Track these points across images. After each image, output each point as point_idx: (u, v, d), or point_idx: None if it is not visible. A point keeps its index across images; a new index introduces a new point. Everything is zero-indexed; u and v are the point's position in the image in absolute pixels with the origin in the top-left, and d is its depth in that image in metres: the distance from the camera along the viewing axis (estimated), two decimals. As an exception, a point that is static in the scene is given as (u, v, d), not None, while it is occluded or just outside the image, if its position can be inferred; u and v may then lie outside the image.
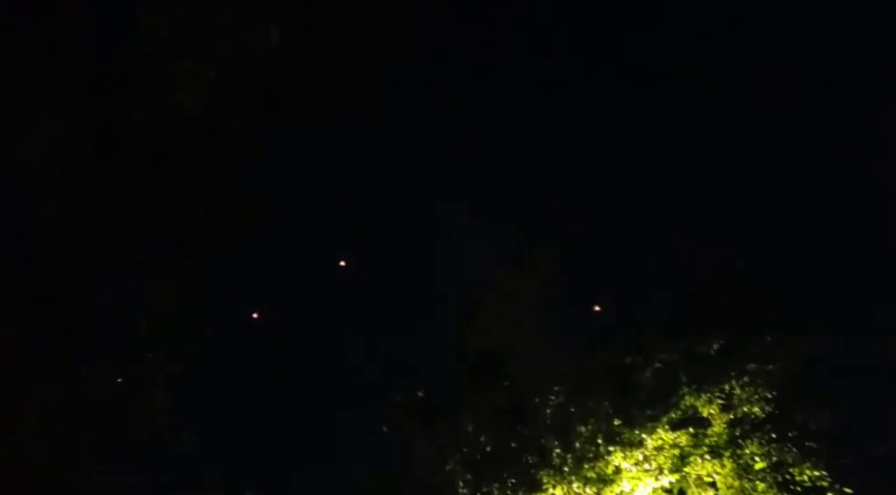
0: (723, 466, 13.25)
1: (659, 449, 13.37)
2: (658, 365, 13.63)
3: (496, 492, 13.69)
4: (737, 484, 13.14)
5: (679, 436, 13.38)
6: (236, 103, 13.81)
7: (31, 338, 14.07)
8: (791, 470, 12.88)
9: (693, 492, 13.43)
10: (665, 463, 13.35)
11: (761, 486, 12.98)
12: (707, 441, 13.37)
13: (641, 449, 13.38)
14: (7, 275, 13.93)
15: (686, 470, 13.42)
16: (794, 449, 12.94)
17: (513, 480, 13.66)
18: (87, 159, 13.91)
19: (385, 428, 14.49)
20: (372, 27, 13.81)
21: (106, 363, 14.61)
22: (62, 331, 14.37)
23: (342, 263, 16.10)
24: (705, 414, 13.47)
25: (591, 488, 13.45)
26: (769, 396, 13.28)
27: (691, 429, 13.41)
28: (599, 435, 13.53)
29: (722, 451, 13.27)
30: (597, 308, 14.84)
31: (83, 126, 13.53)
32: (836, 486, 12.60)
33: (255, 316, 15.70)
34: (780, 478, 12.91)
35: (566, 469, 13.53)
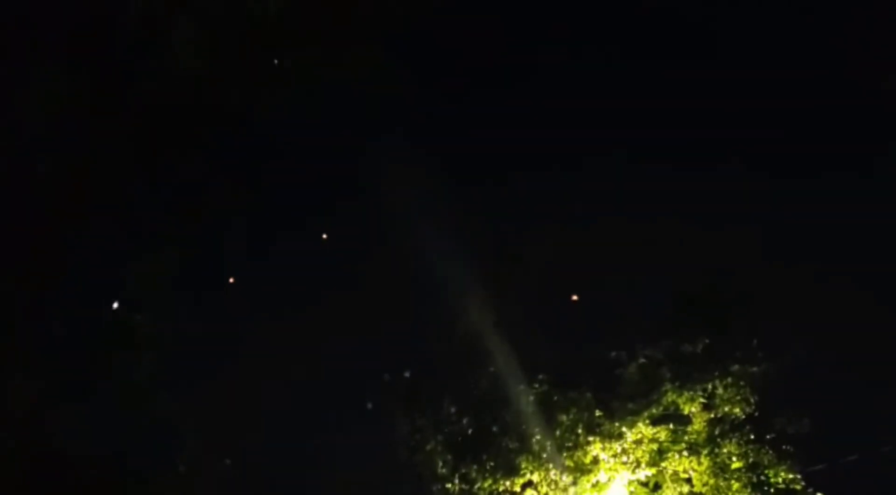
0: (700, 463, 13.47)
1: (638, 442, 13.58)
2: (643, 361, 13.82)
3: (475, 474, 13.85)
4: (712, 481, 13.37)
5: (659, 432, 13.58)
6: (234, 67, 13.83)
7: (20, 290, 14.06)
8: (766, 471, 13.14)
9: (669, 487, 13.65)
10: (643, 456, 13.56)
11: (736, 485, 13.21)
12: (686, 438, 13.59)
13: (621, 442, 13.59)
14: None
15: (663, 464, 13.64)
16: (770, 452, 13.20)
17: (492, 463, 13.82)
18: (83, 117, 13.90)
19: (369, 406, 14.62)
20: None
21: (93, 320, 14.63)
22: (50, 286, 14.37)
23: (324, 236, 16.13)
24: (686, 412, 13.67)
25: (568, 476, 13.63)
26: (750, 398, 13.51)
27: (671, 426, 13.60)
28: (580, 425, 13.71)
29: (700, 449, 13.49)
30: (574, 297, 15.02)
31: (81, 84, 13.51)
32: (809, 490, 12.89)
33: (231, 281, 15.70)
34: (754, 479, 13.15)
35: (545, 455, 13.71)
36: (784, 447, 13.18)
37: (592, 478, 13.57)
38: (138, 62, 13.68)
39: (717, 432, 13.47)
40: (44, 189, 14.09)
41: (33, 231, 14.13)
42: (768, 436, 13.28)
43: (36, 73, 13.47)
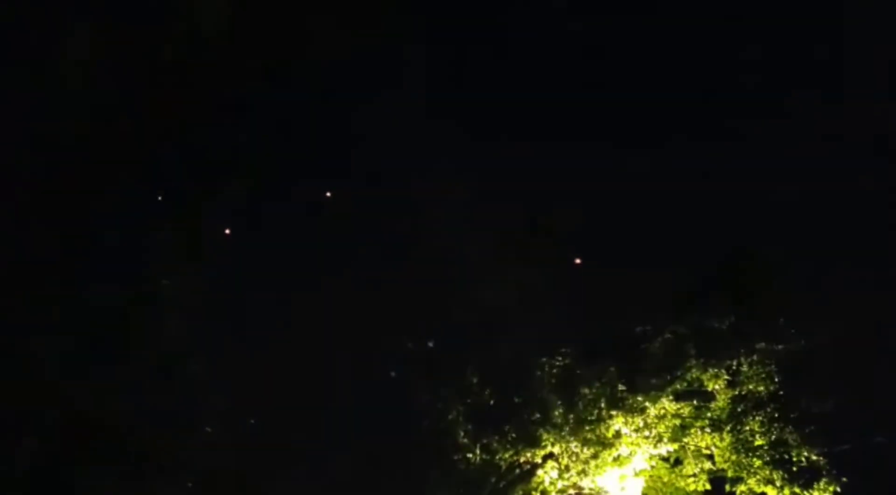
0: (722, 440, 13.41)
1: (660, 417, 13.50)
2: (668, 336, 13.70)
3: (496, 445, 13.87)
4: (734, 458, 13.31)
5: (682, 407, 13.50)
6: (253, 31, 13.77)
7: (49, 254, 14.22)
8: (790, 450, 13.03)
9: (690, 463, 13.64)
10: (665, 431, 13.50)
11: (758, 463, 13.13)
12: (709, 414, 13.51)
13: (643, 416, 13.49)
14: (28, 190, 14.04)
15: (685, 440, 13.60)
16: (794, 431, 13.09)
17: (513, 434, 13.81)
18: (111, 78, 13.92)
19: (393, 374, 14.66)
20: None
21: (121, 286, 14.79)
22: (79, 250, 14.53)
23: (328, 194, 16.01)
24: (710, 388, 13.56)
25: (589, 449, 13.61)
26: (775, 376, 13.37)
27: (695, 402, 13.52)
28: (603, 399, 13.62)
29: (723, 425, 13.42)
30: (577, 261, 14.90)
31: (109, 46, 13.52)
32: (834, 472, 12.78)
33: (227, 232, 15.69)
34: (777, 457, 13.07)
35: (567, 428, 13.66)
36: (808, 427, 13.06)
37: (614, 452, 13.55)
38: (166, 25, 13.67)
39: (740, 409, 13.37)
40: (73, 152, 14.17)
41: (64, 195, 14.26)
42: (792, 416, 13.15)
43: (67, 36, 13.50)
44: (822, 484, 12.61)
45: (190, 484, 14.41)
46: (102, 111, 14.11)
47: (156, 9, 13.34)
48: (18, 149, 13.40)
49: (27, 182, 13.85)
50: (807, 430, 13.04)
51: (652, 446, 13.54)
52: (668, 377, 13.51)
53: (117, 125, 14.30)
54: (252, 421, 15.33)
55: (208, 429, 14.73)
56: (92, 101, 13.90)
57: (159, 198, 15.15)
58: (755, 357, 13.44)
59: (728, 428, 13.41)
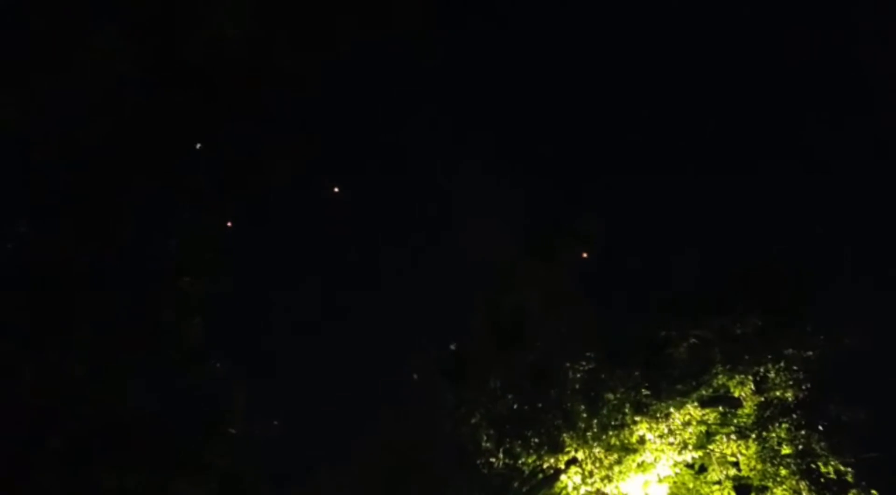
0: (748, 447, 13.25)
1: (686, 424, 13.39)
2: (693, 341, 13.53)
3: (518, 450, 13.79)
4: (760, 466, 13.14)
5: (707, 414, 13.36)
6: (278, 35, 13.70)
7: (71, 252, 14.24)
8: (818, 460, 12.83)
9: (715, 470, 13.47)
10: (690, 438, 13.37)
11: (784, 472, 12.96)
12: (735, 421, 13.36)
13: (668, 423, 13.39)
14: (51, 190, 14.06)
15: (710, 447, 13.45)
16: (822, 441, 12.89)
17: (536, 440, 13.72)
18: (135, 83, 13.90)
19: (415, 377, 14.60)
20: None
21: (143, 284, 14.78)
22: (101, 249, 14.54)
23: (336, 189, 15.86)
24: (736, 395, 13.40)
25: (612, 454, 13.50)
26: (802, 384, 13.17)
27: (720, 408, 13.38)
28: (627, 405, 13.52)
29: (749, 433, 13.26)
30: (584, 255, 14.74)
31: (133, 50, 13.50)
32: (863, 483, 12.57)
33: (228, 224, 15.57)
34: (804, 467, 12.88)
35: (590, 433, 13.56)
36: (836, 436, 12.85)
37: (638, 458, 13.42)
38: (189, 27, 13.63)
39: (766, 416, 13.19)
40: (96, 152, 14.17)
41: (84, 196, 14.26)
42: (821, 426, 12.95)
43: (92, 37, 13.49)
44: (850, 497, 12.45)
45: (214, 485, 14.42)
46: (122, 113, 14.09)
47: (177, 11, 13.31)
48: (37, 151, 13.43)
49: (45, 184, 13.88)
50: (835, 440, 12.86)
51: (676, 452, 13.41)
52: (694, 383, 13.38)
53: (137, 127, 14.29)
54: (275, 422, 15.32)
55: (232, 430, 14.72)
56: (111, 103, 13.87)
57: (180, 198, 15.13)
58: (783, 363, 13.25)
59: (754, 435, 13.25)
